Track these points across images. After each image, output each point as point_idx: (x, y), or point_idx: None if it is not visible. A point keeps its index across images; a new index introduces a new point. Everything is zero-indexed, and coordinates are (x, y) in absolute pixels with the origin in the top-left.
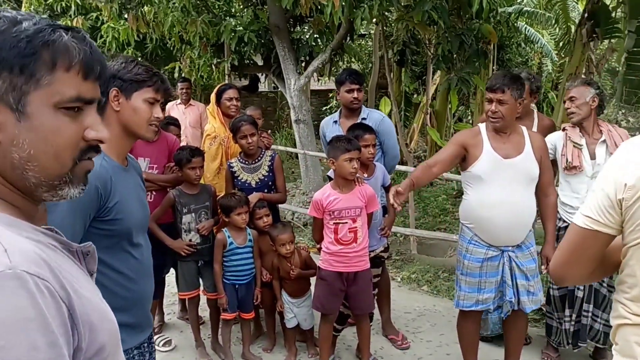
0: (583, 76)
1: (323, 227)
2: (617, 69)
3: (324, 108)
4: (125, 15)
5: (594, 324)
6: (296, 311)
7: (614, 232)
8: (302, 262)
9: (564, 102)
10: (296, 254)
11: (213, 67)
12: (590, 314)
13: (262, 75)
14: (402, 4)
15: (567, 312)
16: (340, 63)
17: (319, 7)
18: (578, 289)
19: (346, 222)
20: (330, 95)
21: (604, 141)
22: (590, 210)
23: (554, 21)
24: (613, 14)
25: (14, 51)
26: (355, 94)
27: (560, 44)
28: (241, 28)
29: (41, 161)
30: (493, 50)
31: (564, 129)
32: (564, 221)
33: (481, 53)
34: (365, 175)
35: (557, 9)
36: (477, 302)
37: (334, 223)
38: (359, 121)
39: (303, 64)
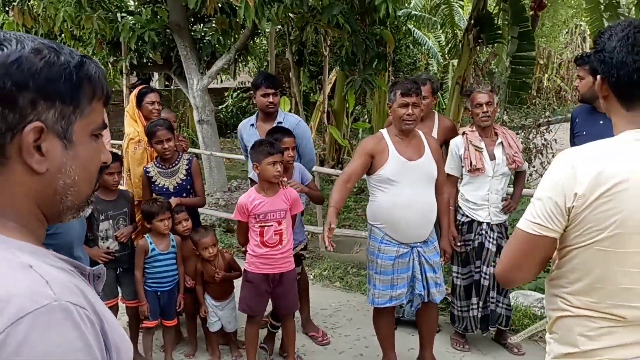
0: (479, 80)
1: (247, 230)
2: (494, 70)
3: (220, 107)
4: (8, 9)
5: (496, 309)
6: (220, 314)
7: (558, 236)
8: (226, 265)
9: (477, 105)
10: (219, 256)
11: (110, 65)
12: (495, 300)
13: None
14: (309, 5)
15: (473, 300)
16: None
17: (222, 6)
18: (484, 278)
19: (272, 225)
20: (226, 94)
21: (501, 142)
22: (538, 218)
23: (440, 25)
24: (496, 21)
25: (66, 83)
26: (271, 98)
27: (447, 48)
28: (139, 26)
29: (81, 186)
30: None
31: (464, 134)
32: (467, 216)
33: (382, 56)
34: (285, 178)
35: (442, 14)
36: (391, 299)
37: (259, 226)
38: (275, 124)
39: (205, 64)
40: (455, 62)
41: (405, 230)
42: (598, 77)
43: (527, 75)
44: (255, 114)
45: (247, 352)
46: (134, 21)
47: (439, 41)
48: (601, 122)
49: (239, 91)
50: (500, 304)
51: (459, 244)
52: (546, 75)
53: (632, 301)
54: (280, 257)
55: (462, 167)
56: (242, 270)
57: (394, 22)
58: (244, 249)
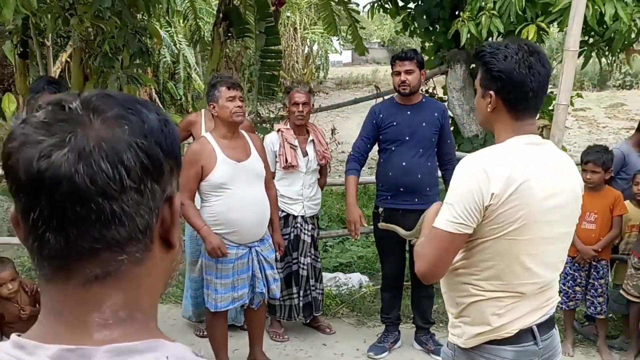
0: (227, 72)
1: None
2: (244, 64)
3: None
4: None
5: (317, 295)
6: None
7: (472, 230)
8: (31, 299)
9: (294, 104)
10: (21, 291)
11: None
12: (314, 287)
13: None
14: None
15: (294, 289)
16: None
17: None
18: (302, 268)
19: None
20: None
21: (312, 140)
22: (459, 217)
23: (183, 16)
24: (244, 16)
25: (178, 146)
26: None
27: (192, 40)
28: None
29: None
30: None
31: (279, 131)
32: (283, 211)
33: (145, 51)
34: None
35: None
36: (233, 300)
37: None
38: None
39: None
40: (187, 52)
41: (244, 231)
42: (491, 92)
43: (275, 68)
44: None
45: None
46: None
47: (167, 31)
48: (408, 112)
49: None
50: (317, 290)
51: None
52: None
53: (531, 278)
54: None
55: (276, 162)
56: None
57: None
58: None
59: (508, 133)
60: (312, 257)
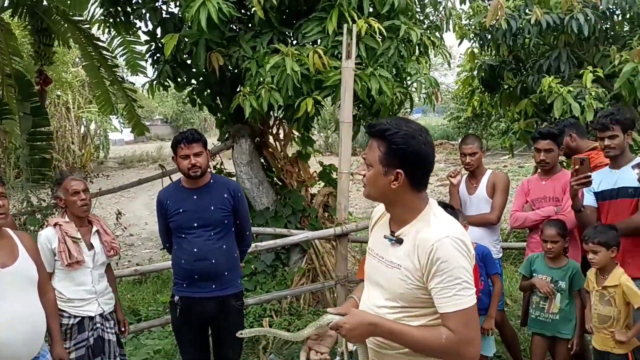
0: None
1: None
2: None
3: None
4: None
5: None
6: None
7: None
8: None
9: (74, 193)
10: None
11: None
12: None
13: None
14: None
15: None
16: None
17: None
18: None
19: None
20: None
21: (97, 231)
22: (474, 287)
23: None
24: (3, 96)
25: None
26: None
27: None
28: None
29: None
30: None
31: (56, 224)
32: (76, 316)
33: None
34: None
35: None
36: None
37: None
38: None
39: None
40: None
41: (11, 353)
42: (400, 171)
43: (47, 151)
44: None
45: None
46: None
47: None
48: (195, 197)
49: None
50: None
51: (72, 347)
52: None
53: None
54: None
55: (56, 261)
56: None
57: None
58: None
59: (417, 203)
60: (120, 356)
